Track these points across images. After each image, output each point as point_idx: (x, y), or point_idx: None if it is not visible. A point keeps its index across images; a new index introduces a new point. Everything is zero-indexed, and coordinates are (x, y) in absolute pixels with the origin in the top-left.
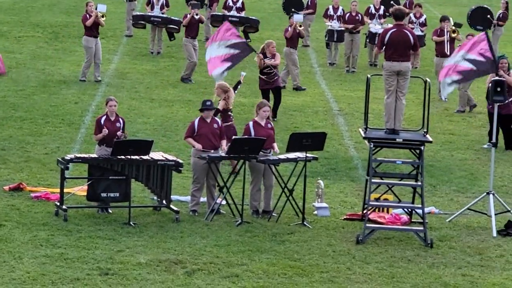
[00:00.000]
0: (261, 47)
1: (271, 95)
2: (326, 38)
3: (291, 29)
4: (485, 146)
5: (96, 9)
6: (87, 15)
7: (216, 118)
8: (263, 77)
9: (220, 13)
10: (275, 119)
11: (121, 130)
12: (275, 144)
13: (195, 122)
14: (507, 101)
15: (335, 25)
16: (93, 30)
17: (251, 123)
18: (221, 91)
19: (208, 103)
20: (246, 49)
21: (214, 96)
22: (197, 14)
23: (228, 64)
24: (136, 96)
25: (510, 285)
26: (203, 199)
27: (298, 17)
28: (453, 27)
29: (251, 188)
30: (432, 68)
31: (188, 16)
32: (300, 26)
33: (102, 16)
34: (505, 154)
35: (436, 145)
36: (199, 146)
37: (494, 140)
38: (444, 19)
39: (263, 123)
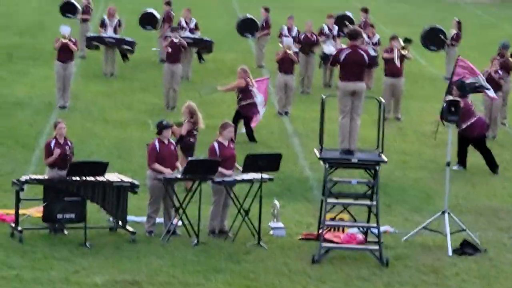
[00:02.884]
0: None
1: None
2: None
3: (281, 53)
4: (455, 167)
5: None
6: (58, 39)
7: (171, 140)
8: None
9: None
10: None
11: (70, 153)
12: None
13: (156, 145)
14: (470, 122)
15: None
16: (59, 54)
17: (216, 144)
18: (187, 111)
19: (165, 122)
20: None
21: (182, 116)
22: (176, 38)
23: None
24: (89, 117)
25: None
26: (159, 219)
27: (287, 41)
28: (403, 44)
29: (213, 209)
30: None
31: (168, 40)
32: (289, 49)
33: (64, 38)
34: (459, 173)
35: (390, 165)
36: (168, 171)
37: (448, 159)
38: (393, 37)
39: (226, 143)
